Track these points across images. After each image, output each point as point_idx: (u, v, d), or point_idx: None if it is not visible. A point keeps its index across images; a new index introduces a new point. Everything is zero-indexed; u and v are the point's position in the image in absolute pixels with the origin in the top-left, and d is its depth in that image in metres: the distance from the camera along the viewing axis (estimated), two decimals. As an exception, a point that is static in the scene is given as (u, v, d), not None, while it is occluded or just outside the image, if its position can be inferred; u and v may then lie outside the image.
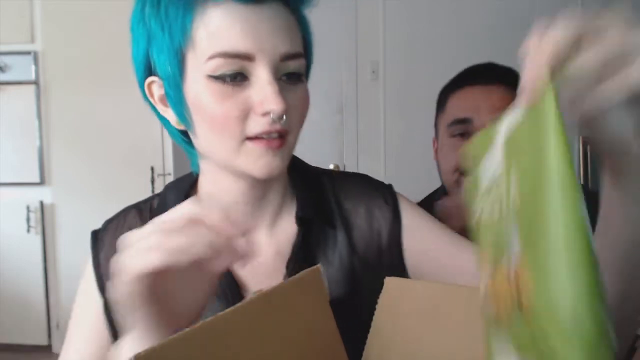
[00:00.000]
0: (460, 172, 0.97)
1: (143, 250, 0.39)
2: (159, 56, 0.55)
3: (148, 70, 0.58)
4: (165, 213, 0.42)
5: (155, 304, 0.41)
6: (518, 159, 0.33)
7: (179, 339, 0.28)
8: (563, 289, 0.26)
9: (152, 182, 2.73)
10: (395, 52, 2.84)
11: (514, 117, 0.35)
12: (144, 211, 0.66)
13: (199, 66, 0.53)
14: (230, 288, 0.61)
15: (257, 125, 0.54)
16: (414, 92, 2.76)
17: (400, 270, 0.65)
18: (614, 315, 0.27)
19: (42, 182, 2.83)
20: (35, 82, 2.79)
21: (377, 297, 0.48)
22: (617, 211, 0.43)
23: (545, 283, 0.27)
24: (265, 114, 0.53)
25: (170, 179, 2.71)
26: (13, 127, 2.82)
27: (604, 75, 0.32)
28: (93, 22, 2.67)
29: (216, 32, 0.52)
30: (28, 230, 2.82)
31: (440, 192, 1.09)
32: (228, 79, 0.53)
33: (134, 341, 0.41)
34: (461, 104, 0.97)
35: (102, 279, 0.63)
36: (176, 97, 0.56)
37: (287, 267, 0.62)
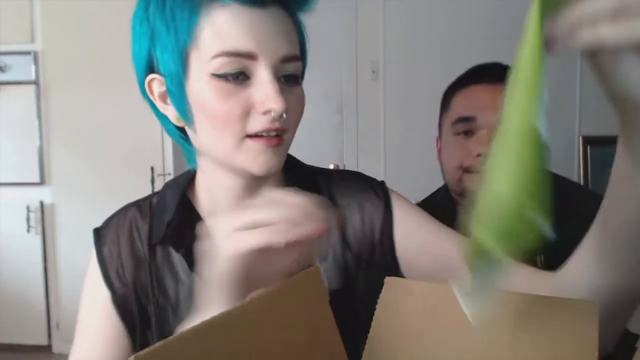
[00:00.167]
0: (464, 170, 0.97)
1: (245, 231, 0.42)
2: (163, 54, 0.57)
3: (149, 68, 0.60)
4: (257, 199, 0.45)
5: (243, 284, 0.44)
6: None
7: (179, 339, 0.28)
8: (505, 172, 0.30)
9: (152, 182, 2.72)
10: (395, 52, 2.83)
11: None
12: (144, 208, 0.68)
13: (203, 65, 0.55)
14: None
15: (258, 123, 0.56)
16: (414, 92, 2.76)
17: (392, 264, 0.66)
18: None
19: (42, 182, 2.83)
20: (35, 82, 2.79)
21: (373, 293, 0.49)
22: (625, 183, 0.43)
23: (494, 167, 0.30)
24: (266, 112, 0.55)
25: (170, 179, 2.70)
26: (13, 127, 2.82)
27: (615, 17, 0.31)
28: (93, 22, 2.67)
29: (221, 33, 0.54)
30: (28, 230, 2.82)
31: (443, 192, 1.09)
32: (231, 78, 0.55)
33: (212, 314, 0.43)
34: (466, 102, 0.96)
35: (108, 273, 0.65)
36: (179, 94, 0.58)
37: None
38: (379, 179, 0.72)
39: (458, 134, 0.97)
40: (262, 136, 0.57)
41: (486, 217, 0.31)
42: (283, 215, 0.43)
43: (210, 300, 0.45)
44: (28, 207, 2.82)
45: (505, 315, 0.40)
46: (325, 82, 2.84)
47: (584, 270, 0.52)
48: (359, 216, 0.68)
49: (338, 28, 2.82)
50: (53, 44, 2.75)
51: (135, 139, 2.70)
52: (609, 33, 0.31)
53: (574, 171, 2.76)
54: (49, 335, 2.85)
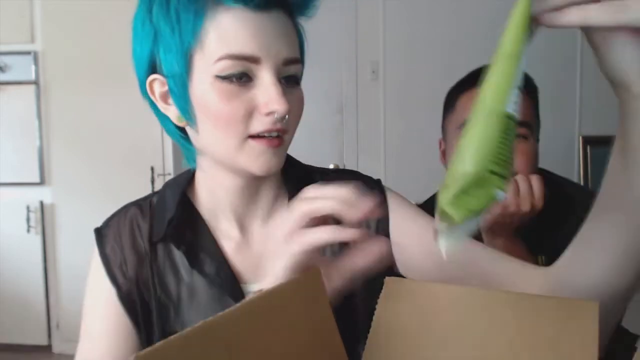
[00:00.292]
0: None
1: (311, 229, 0.45)
2: (166, 55, 0.58)
3: (151, 68, 0.61)
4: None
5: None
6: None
7: (179, 339, 0.28)
8: (471, 143, 0.33)
9: (152, 182, 2.73)
10: (395, 52, 2.83)
11: None
12: (144, 207, 0.69)
13: (207, 66, 0.56)
14: (227, 278, 0.65)
15: (260, 124, 0.57)
16: (414, 92, 2.76)
17: (390, 262, 0.67)
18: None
19: (42, 182, 2.83)
20: (35, 82, 2.79)
21: (372, 292, 0.49)
22: (616, 178, 0.45)
23: (464, 140, 0.34)
24: (269, 113, 0.57)
25: (170, 178, 2.69)
26: (13, 127, 2.82)
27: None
28: (93, 22, 2.67)
29: (226, 36, 0.56)
30: (28, 230, 2.82)
31: None
32: (234, 79, 0.56)
33: None
34: (473, 105, 0.96)
35: (112, 270, 0.66)
36: (182, 95, 0.59)
37: None
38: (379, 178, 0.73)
39: None
40: (263, 137, 0.58)
41: (450, 183, 0.34)
42: (337, 207, 0.45)
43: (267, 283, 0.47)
44: (28, 207, 2.82)
45: (506, 315, 0.40)
46: (325, 82, 2.84)
47: (575, 266, 0.52)
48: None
49: (338, 28, 2.82)
50: (53, 44, 2.75)
51: (135, 139, 2.70)
52: (595, 13, 0.33)
53: (574, 171, 2.76)
54: (49, 335, 2.85)
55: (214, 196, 0.67)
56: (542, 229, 0.96)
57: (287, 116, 0.57)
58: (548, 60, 2.51)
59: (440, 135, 1.10)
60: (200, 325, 0.30)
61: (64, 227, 2.82)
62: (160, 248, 0.67)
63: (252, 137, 0.58)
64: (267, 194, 0.69)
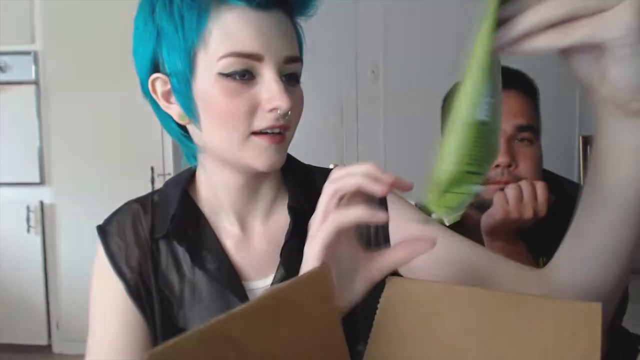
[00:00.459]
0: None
1: (343, 208, 0.46)
2: (170, 54, 0.59)
3: (153, 67, 0.62)
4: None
5: (328, 261, 0.47)
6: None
7: (187, 339, 0.28)
8: (449, 146, 0.38)
9: (152, 182, 2.72)
10: (395, 52, 2.83)
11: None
12: (146, 204, 0.70)
13: (210, 64, 0.58)
14: (229, 274, 0.66)
15: (263, 120, 0.59)
16: (414, 92, 2.76)
17: None
18: None
19: (42, 182, 2.83)
20: (35, 82, 2.79)
21: (372, 291, 0.49)
22: (591, 186, 0.48)
23: (443, 144, 0.39)
24: (272, 110, 0.58)
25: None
26: (13, 127, 2.82)
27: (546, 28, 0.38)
28: (93, 22, 2.67)
29: (230, 34, 0.57)
30: (28, 230, 2.82)
31: None
32: (237, 77, 0.57)
33: None
34: None
35: (119, 265, 0.67)
36: (185, 93, 0.60)
37: (281, 254, 0.67)
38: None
39: None
40: (266, 133, 0.59)
41: (432, 184, 0.39)
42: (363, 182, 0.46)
43: (304, 269, 0.48)
44: (28, 207, 2.82)
45: (508, 315, 0.40)
46: (325, 82, 2.84)
47: (564, 267, 0.54)
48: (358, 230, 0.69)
49: (338, 28, 2.82)
50: (53, 44, 2.75)
51: (135, 139, 2.70)
52: (543, 41, 0.38)
53: (574, 171, 2.76)
54: (49, 335, 2.85)
55: (215, 194, 0.68)
56: (543, 230, 0.96)
57: (289, 112, 0.59)
58: (548, 60, 2.50)
59: (439, 137, 1.10)
60: (209, 325, 0.30)
61: (64, 227, 2.82)
62: (162, 244, 0.68)
63: (255, 133, 0.59)
64: (267, 192, 0.70)
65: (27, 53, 2.78)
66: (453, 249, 0.64)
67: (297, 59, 0.61)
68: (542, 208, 0.88)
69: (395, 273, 0.68)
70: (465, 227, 0.94)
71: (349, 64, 2.89)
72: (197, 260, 0.66)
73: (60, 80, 2.75)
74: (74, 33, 2.70)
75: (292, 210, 0.68)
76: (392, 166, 2.85)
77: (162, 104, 0.63)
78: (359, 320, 0.52)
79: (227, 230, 0.69)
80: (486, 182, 0.95)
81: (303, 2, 0.61)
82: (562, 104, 2.71)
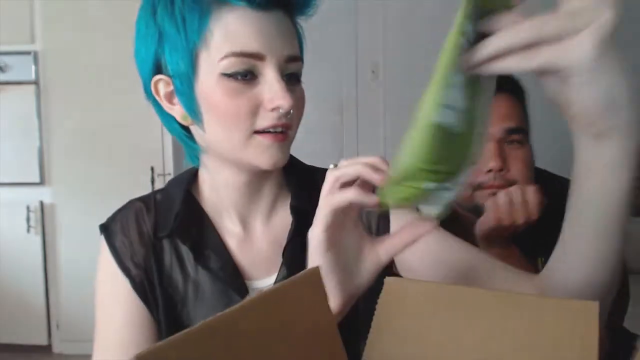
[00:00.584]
0: (475, 188, 0.96)
1: (341, 189, 0.48)
2: (172, 56, 0.60)
3: (155, 68, 0.62)
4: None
5: (333, 247, 0.48)
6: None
7: (179, 339, 0.28)
8: (409, 146, 0.40)
9: (152, 182, 2.72)
10: (395, 52, 2.83)
11: None
12: (149, 203, 0.71)
13: (212, 65, 0.58)
14: (231, 273, 0.66)
15: (266, 120, 0.59)
16: (414, 92, 2.74)
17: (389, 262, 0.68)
18: None
19: (42, 182, 2.83)
20: (35, 82, 2.79)
21: (372, 292, 0.49)
22: (574, 197, 0.50)
23: (406, 143, 0.41)
24: (274, 109, 0.59)
25: (170, 178, 2.70)
26: (13, 127, 2.82)
27: (515, 52, 0.40)
28: (93, 22, 2.67)
29: (231, 34, 0.57)
30: (28, 230, 2.82)
31: None
32: (239, 77, 0.58)
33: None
34: None
35: (124, 262, 0.67)
36: (188, 94, 0.60)
37: (284, 254, 0.67)
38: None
39: None
40: (269, 132, 0.60)
41: (391, 176, 0.42)
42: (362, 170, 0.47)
43: (311, 258, 0.50)
44: (28, 207, 2.82)
45: (506, 315, 0.40)
46: (325, 82, 2.84)
47: (558, 272, 0.54)
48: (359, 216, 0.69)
49: (338, 28, 2.82)
50: (53, 44, 2.75)
51: (135, 139, 2.70)
52: (510, 62, 0.40)
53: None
54: (49, 335, 2.85)
55: (217, 193, 0.69)
56: (540, 230, 0.96)
57: (291, 111, 0.59)
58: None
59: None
60: (201, 325, 0.30)
61: (64, 227, 2.82)
62: (166, 243, 0.68)
63: (258, 132, 0.60)
64: (269, 192, 0.70)
65: (27, 53, 2.78)
66: (452, 251, 0.65)
67: (298, 58, 0.62)
68: (534, 212, 0.89)
69: (394, 274, 0.68)
70: (468, 230, 0.95)
71: (349, 64, 2.89)
72: (200, 259, 0.66)
73: (60, 80, 2.75)
74: (74, 33, 2.70)
75: (294, 210, 0.69)
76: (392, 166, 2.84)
77: (165, 105, 0.64)
78: (359, 320, 0.52)
79: (230, 230, 0.70)
80: (481, 187, 0.95)
81: (303, 2, 0.62)
82: (562, 104, 2.71)
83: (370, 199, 0.47)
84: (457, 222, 0.96)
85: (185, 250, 0.67)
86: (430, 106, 0.39)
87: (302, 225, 0.65)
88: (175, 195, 0.69)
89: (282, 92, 0.58)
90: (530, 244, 0.97)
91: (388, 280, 0.46)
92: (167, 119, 0.66)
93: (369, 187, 0.48)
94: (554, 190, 0.97)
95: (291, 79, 0.62)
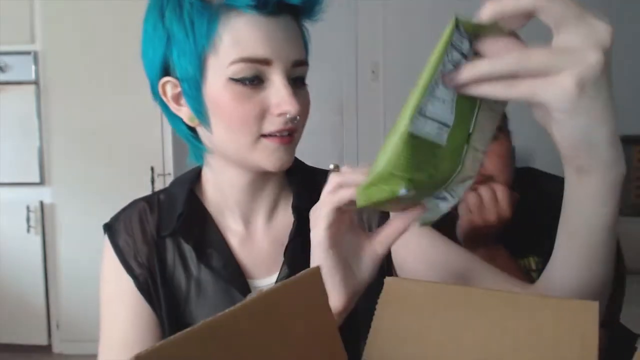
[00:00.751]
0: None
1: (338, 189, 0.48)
2: (180, 59, 0.60)
3: (163, 70, 0.62)
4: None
5: (334, 246, 0.49)
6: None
7: (179, 339, 0.28)
8: (384, 150, 0.41)
9: (152, 182, 2.72)
10: (395, 52, 2.84)
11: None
12: (152, 203, 0.72)
13: (221, 69, 0.59)
14: (234, 272, 0.67)
15: (273, 124, 0.60)
16: (414, 92, 2.76)
17: (387, 263, 0.69)
18: None
19: (42, 182, 2.83)
20: (35, 82, 2.79)
21: (371, 290, 0.50)
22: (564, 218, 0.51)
23: (383, 145, 0.42)
24: (281, 114, 0.60)
25: (170, 179, 2.70)
26: (13, 127, 2.82)
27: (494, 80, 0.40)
28: (93, 22, 2.67)
29: (240, 40, 0.58)
30: (28, 230, 2.82)
31: None
32: (247, 82, 0.59)
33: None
34: None
35: (127, 261, 0.68)
36: (196, 97, 0.61)
37: (285, 253, 0.68)
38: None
39: None
40: (275, 135, 0.61)
41: (369, 177, 0.43)
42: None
43: (314, 257, 0.50)
44: (28, 207, 2.82)
45: (506, 315, 0.40)
46: (325, 82, 2.85)
47: (552, 283, 0.55)
48: (358, 215, 0.69)
49: (338, 28, 2.82)
50: (53, 44, 2.75)
51: (135, 139, 2.70)
52: (490, 88, 0.40)
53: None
54: (49, 335, 2.85)
55: (221, 192, 0.70)
56: (532, 229, 0.97)
57: (297, 117, 0.60)
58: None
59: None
60: (201, 325, 0.30)
61: (64, 227, 2.82)
62: (169, 242, 0.69)
63: (264, 135, 0.61)
64: (271, 191, 0.71)
65: (27, 53, 2.78)
66: (448, 256, 0.66)
67: (304, 62, 0.63)
68: (506, 210, 0.90)
69: (394, 276, 0.68)
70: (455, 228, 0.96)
71: (349, 64, 2.89)
72: (202, 258, 0.67)
73: (60, 80, 2.75)
74: (74, 33, 2.70)
75: (296, 210, 0.69)
76: (392, 166, 2.85)
77: (172, 106, 0.64)
78: (360, 320, 0.52)
79: (232, 229, 0.71)
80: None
81: (309, 8, 0.62)
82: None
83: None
84: (447, 220, 0.97)
85: (188, 249, 0.68)
86: (405, 115, 0.40)
87: (303, 225, 0.66)
88: (178, 195, 0.70)
89: (289, 97, 0.59)
90: (521, 243, 0.98)
91: (388, 280, 0.46)
92: (174, 119, 0.67)
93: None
94: (553, 191, 0.97)
95: (297, 81, 0.62)
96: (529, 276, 0.98)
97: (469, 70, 0.41)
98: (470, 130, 0.45)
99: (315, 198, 0.52)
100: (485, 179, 0.93)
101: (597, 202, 0.46)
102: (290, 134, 0.62)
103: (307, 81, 0.66)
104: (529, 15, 0.40)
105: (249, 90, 0.59)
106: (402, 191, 0.42)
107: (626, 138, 2.77)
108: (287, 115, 0.60)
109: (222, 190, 0.70)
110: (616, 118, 0.41)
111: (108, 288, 0.69)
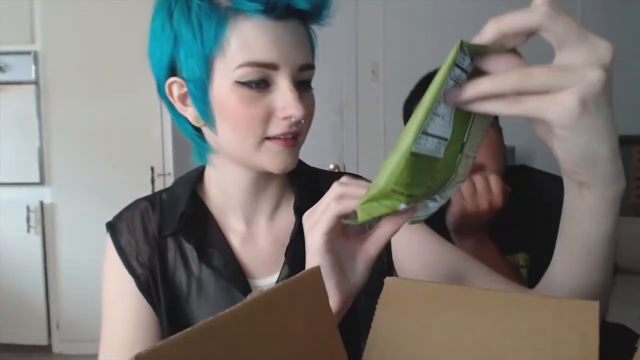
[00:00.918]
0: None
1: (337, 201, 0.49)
2: (187, 60, 0.60)
3: (170, 70, 0.63)
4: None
5: (332, 252, 0.49)
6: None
7: (178, 339, 0.28)
8: (385, 167, 0.43)
9: (152, 182, 2.73)
10: (395, 52, 2.84)
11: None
12: (155, 202, 0.72)
13: (228, 72, 0.59)
14: (235, 271, 0.67)
15: (278, 127, 0.61)
16: (414, 92, 2.76)
17: (388, 263, 0.69)
18: None
19: (42, 182, 2.83)
20: (35, 82, 2.79)
21: (371, 290, 0.50)
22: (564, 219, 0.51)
23: (385, 161, 0.43)
24: (286, 117, 0.60)
25: (170, 178, 2.71)
26: (13, 127, 2.82)
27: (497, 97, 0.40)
28: (93, 23, 2.67)
29: (247, 44, 0.58)
30: (28, 230, 2.82)
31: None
32: (253, 85, 0.59)
33: None
34: None
35: (129, 261, 0.68)
36: (202, 98, 0.61)
37: (286, 253, 0.68)
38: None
39: None
40: (280, 138, 0.61)
41: (369, 191, 0.45)
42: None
43: (310, 260, 0.50)
44: (28, 207, 2.82)
45: (506, 315, 0.40)
46: (325, 82, 2.85)
47: (550, 287, 0.56)
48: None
49: (338, 28, 2.82)
50: (53, 44, 2.75)
51: (135, 139, 2.70)
52: (493, 105, 0.41)
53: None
54: (49, 335, 2.85)
55: (224, 192, 0.70)
56: (523, 226, 0.97)
57: (302, 120, 0.61)
58: (549, 60, 2.50)
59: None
60: (201, 325, 0.30)
61: (64, 227, 2.82)
62: (170, 242, 0.69)
63: (269, 138, 0.61)
64: (273, 191, 0.71)
65: (27, 53, 2.78)
66: (442, 252, 0.67)
67: (311, 66, 0.64)
68: (497, 199, 0.92)
69: (394, 275, 0.68)
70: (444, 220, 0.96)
71: (349, 64, 2.89)
72: (204, 257, 0.67)
73: (60, 80, 2.75)
74: (74, 33, 2.70)
75: (297, 210, 0.70)
76: (392, 166, 2.85)
77: (178, 106, 0.65)
78: (360, 320, 0.52)
79: (234, 229, 0.71)
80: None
81: (317, 12, 0.63)
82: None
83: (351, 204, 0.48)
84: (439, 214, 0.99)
85: (189, 248, 0.68)
86: (408, 134, 0.41)
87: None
88: (181, 195, 0.70)
89: (294, 101, 0.59)
90: (511, 239, 0.99)
91: (388, 280, 0.46)
92: (180, 119, 0.67)
93: None
94: (546, 189, 0.98)
95: (302, 85, 0.63)
96: (518, 272, 0.99)
97: (472, 89, 0.41)
98: (465, 140, 0.46)
99: (317, 199, 0.52)
100: (476, 168, 0.94)
101: (597, 216, 0.47)
102: (294, 137, 0.62)
103: (307, 81, 0.66)
104: (530, 33, 0.40)
105: (255, 93, 0.59)
106: (402, 206, 0.43)
107: (626, 138, 2.77)
108: (292, 119, 0.60)
109: (225, 190, 0.70)
110: (617, 135, 0.41)
111: (110, 288, 0.69)
